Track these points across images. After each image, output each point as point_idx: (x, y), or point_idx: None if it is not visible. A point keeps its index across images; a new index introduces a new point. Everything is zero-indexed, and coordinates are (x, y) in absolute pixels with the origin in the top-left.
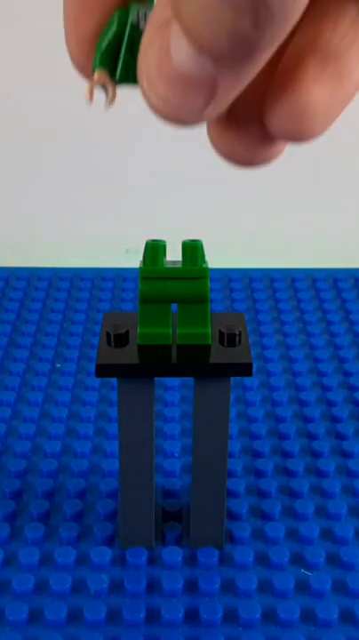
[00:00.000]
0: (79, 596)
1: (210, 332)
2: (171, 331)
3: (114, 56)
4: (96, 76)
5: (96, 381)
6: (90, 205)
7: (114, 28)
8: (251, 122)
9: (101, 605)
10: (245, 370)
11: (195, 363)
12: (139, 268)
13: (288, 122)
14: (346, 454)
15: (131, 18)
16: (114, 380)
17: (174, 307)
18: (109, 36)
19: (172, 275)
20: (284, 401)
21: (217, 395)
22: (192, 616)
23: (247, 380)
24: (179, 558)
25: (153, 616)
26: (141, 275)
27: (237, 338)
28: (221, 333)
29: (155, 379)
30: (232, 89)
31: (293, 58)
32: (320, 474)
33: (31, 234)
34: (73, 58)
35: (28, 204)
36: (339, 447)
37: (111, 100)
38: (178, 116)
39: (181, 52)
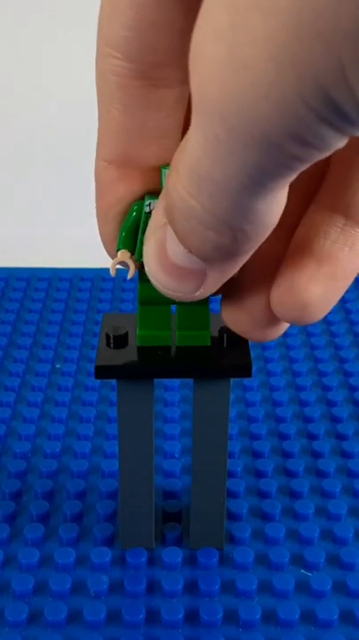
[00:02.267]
0: (79, 597)
1: (209, 334)
2: (170, 332)
3: (134, 238)
4: (119, 254)
5: (96, 382)
6: (90, 205)
7: (133, 215)
8: (258, 305)
9: (101, 606)
10: (245, 371)
11: (194, 364)
12: (138, 270)
13: (291, 312)
14: (346, 454)
15: (146, 208)
16: (114, 381)
17: (173, 308)
18: (129, 222)
19: None
20: (284, 401)
21: (216, 396)
22: (192, 617)
23: (247, 380)
24: (179, 559)
25: (153, 617)
26: (140, 276)
27: (237, 339)
28: (221, 334)
29: (155, 380)
30: (219, 278)
31: (293, 258)
32: (320, 474)
33: (31, 234)
34: (103, 241)
35: (28, 204)
36: (340, 447)
37: (131, 274)
38: (175, 296)
39: (175, 250)
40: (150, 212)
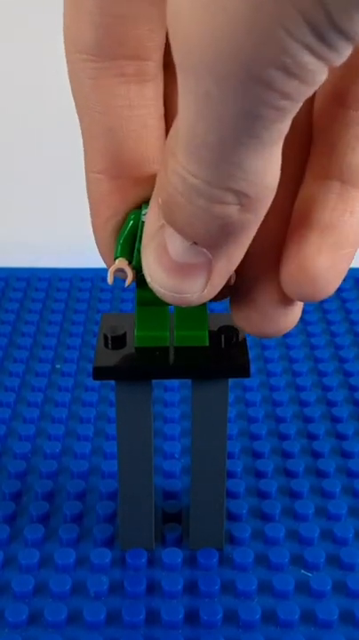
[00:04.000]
0: (79, 598)
1: (207, 334)
2: (168, 333)
3: (131, 246)
4: (117, 262)
5: (96, 382)
6: None
7: (130, 224)
8: (266, 297)
9: (101, 607)
10: (243, 371)
11: (192, 364)
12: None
13: (303, 288)
14: (346, 454)
15: (143, 217)
16: (113, 382)
17: (171, 308)
18: (127, 230)
19: None
20: (284, 401)
21: (215, 396)
22: (192, 617)
23: (247, 381)
24: (179, 559)
25: (153, 617)
26: (138, 283)
27: (235, 339)
28: (219, 335)
29: (154, 380)
30: (226, 268)
31: (296, 235)
32: (320, 474)
33: (31, 234)
34: (101, 253)
35: (28, 204)
36: (340, 447)
37: (129, 282)
38: (182, 300)
39: (177, 247)
40: None
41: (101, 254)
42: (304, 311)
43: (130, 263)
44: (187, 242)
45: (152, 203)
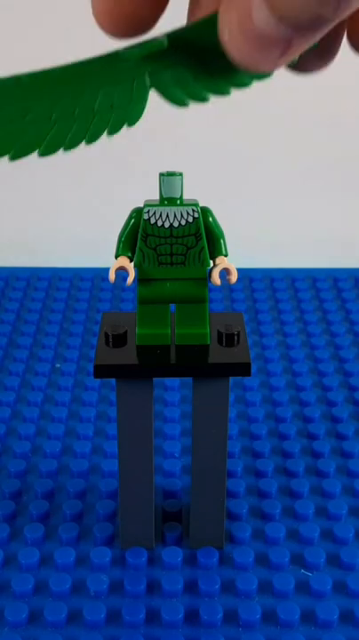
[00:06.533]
0: (79, 597)
1: (208, 333)
2: (169, 331)
3: (132, 245)
4: (118, 261)
5: (96, 381)
6: (90, 206)
7: (132, 221)
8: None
9: (101, 606)
10: (244, 370)
11: (193, 363)
12: (137, 271)
13: None
14: (346, 455)
15: (145, 215)
16: (113, 381)
17: (173, 307)
18: (128, 228)
19: (171, 276)
20: (284, 401)
21: (216, 395)
22: (192, 617)
23: (247, 381)
24: (179, 559)
25: (153, 617)
26: (139, 276)
27: (236, 338)
28: (220, 333)
29: (155, 379)
30: (304, 45)
31: None
32: (320, 474)
33: (31, 234)
34: (103, 27)
35: (29, 204)
36: (340, 447)
37: (130, 281)
38: (254, 66)
39: (262, 18)
40: (149, 220)
41: (106, 31)
42: (304, 311)
43: (131, 261)
44: (274, 17)
45: None
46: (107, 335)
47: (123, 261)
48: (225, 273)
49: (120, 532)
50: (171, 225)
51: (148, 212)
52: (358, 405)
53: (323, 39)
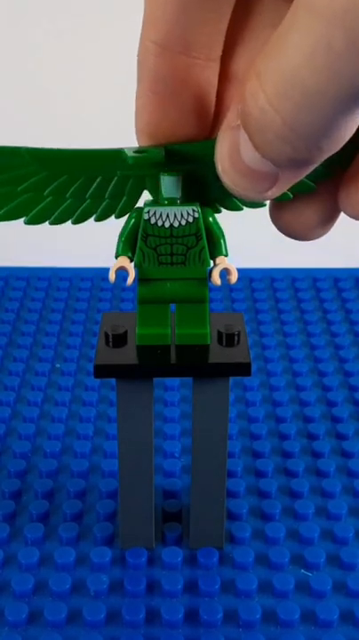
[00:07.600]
0: (79, 597)
1: (208, 333)
2: (169, 331)
3: (133, 245)
4: (118, 260)
5: (96, 381)
6: None
7: (132, 222)
8: (314, 207)
9: (101, 606)
10: (244, 370)
11: (193, 363)
12: (138, 270)
13: None
14: (346, 454)
15: (145, 215)
16: (113, 380)
17: (173, 307)
18: (128, 228)
19: (171, 275)
20: (285, 401)
21: (216, 395)
22: (192, 617)
23: (247, 380)
24: (179, 559)
25: (153, 617)
26: (140, 276)
27: (236, 338)
28: (220, 333)
29: (155, 379)
30: (292, 180)
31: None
32: (320, 474)
33: (31, 233)
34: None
35: None
36: (340, 447)
37: (130, 281)
38: (245, 196)
39: (249, 154)
40: (149, 220)
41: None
42: (304, 311)
43: (131, 261)
44: (258, 155)
45: (235, 99)
46: (107, 335)
47: (124, 261)
48: (225, 273)
49: (120, 531)
50: (172, 225)
51: (148, 212)
52: (358, 405)
53: (323, 208)
